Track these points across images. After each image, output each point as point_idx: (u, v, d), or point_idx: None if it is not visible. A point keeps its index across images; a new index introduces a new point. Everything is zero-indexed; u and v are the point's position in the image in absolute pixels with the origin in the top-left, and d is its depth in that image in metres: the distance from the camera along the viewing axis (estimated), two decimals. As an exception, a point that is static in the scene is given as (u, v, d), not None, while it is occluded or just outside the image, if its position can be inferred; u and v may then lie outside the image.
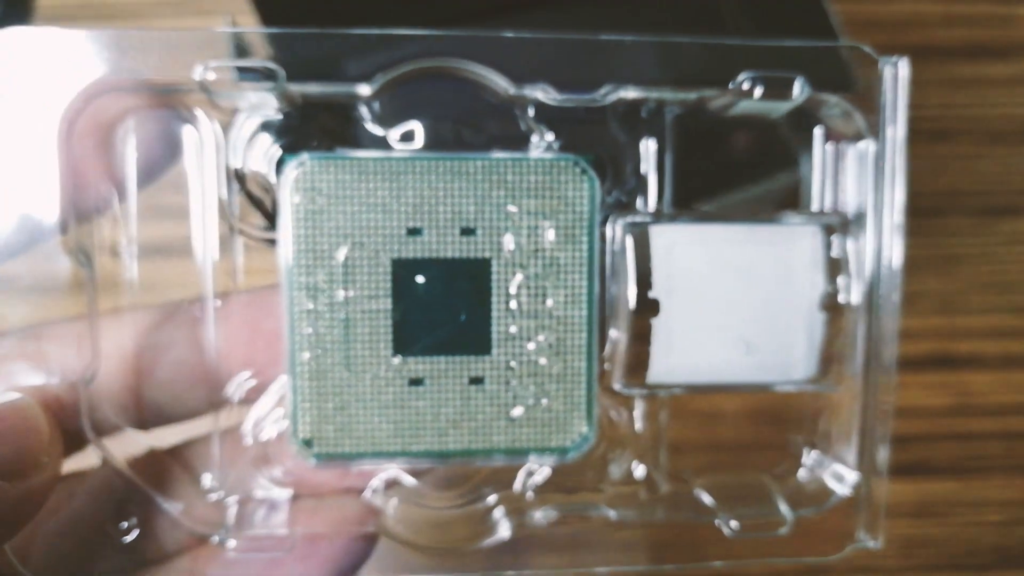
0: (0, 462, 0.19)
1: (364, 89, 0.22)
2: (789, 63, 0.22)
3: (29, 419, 0.20)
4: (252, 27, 0.21)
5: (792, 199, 0.25)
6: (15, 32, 0.20)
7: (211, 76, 0.21)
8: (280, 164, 0.22)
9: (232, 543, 0.23)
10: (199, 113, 0.22)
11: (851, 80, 0.23)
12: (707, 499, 0.25)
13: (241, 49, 0.21)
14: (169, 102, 0.22)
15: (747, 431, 0.27)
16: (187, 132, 0.22)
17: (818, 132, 0.24)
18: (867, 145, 0.23)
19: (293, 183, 0.22)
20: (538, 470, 0.24)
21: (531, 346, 0.23)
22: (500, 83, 0.22)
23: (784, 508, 0.25)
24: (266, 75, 0.21)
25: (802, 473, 0.26)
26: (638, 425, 0.25)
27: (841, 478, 0.25)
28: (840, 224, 0.24)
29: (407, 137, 0.23)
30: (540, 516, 0.24)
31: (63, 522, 0.22)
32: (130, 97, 0.22)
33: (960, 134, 0.32)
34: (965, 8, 0.32)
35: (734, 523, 0.24)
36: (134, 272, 0.23)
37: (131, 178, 0.22)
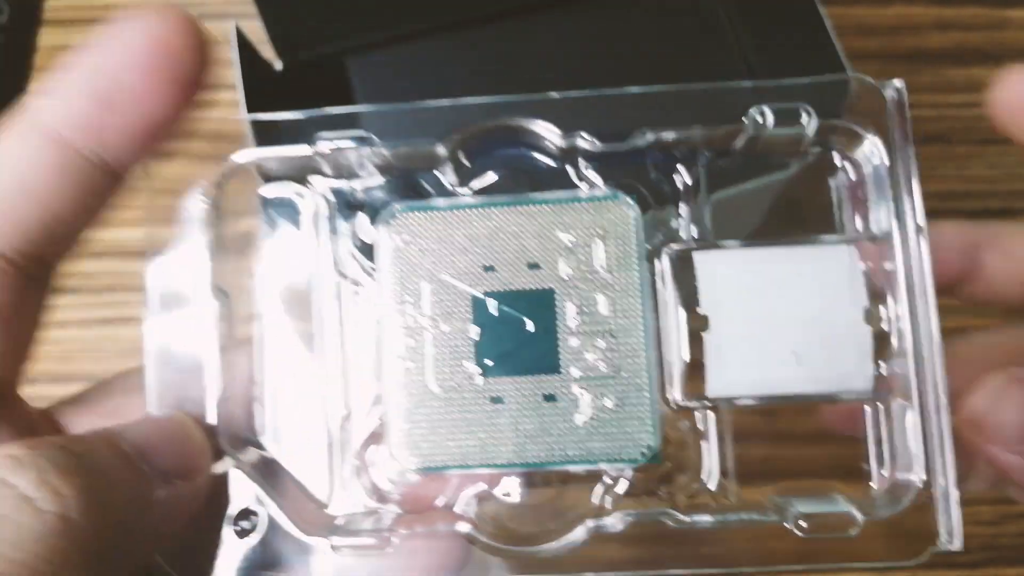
0: (170, 462, 0.24)
1: (441, 149, 0.27)
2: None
3: (188, 429, 0.25)
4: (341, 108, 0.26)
5: (826, 221, 0.28)
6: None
7: (324, 148, 0.26)
8: (376, 215, 0.27)
9: (338, 548, 0.25)
10: (312, 178, 0.28)
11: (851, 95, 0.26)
12: (777, 502, 0.26)
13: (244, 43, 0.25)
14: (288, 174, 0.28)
15: (811, 440, 0.28)
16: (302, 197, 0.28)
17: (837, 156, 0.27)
18: (882, 166, 0.26)
19: (388, 230, 0.27)
20: (610, 479, 0.27)
21: (594, 362, 0.26)
22: (552, 136, 0.27)
23: (854, 511, 0.25)
24: (362, 141, 0.26)
25: (872, 483, 0.27)
26: (702, 434, 0.27)
27: (909, 484, 0.26)
28: (872, 241, 0.27)
29: (479, 188, 0.28)
30: (614, 522, 0.26)
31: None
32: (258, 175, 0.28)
33: (953, 136, 0.33)
34: (957, 12, 0.34)
35: (803, 523, 0.25)
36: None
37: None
